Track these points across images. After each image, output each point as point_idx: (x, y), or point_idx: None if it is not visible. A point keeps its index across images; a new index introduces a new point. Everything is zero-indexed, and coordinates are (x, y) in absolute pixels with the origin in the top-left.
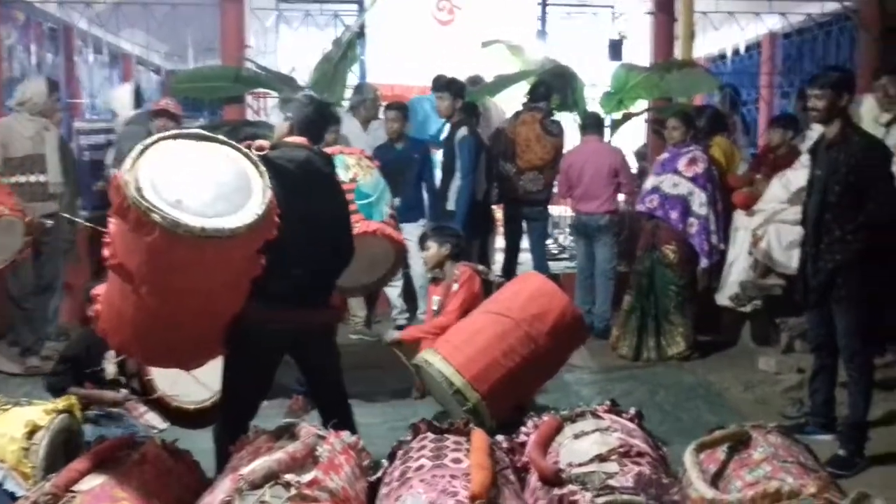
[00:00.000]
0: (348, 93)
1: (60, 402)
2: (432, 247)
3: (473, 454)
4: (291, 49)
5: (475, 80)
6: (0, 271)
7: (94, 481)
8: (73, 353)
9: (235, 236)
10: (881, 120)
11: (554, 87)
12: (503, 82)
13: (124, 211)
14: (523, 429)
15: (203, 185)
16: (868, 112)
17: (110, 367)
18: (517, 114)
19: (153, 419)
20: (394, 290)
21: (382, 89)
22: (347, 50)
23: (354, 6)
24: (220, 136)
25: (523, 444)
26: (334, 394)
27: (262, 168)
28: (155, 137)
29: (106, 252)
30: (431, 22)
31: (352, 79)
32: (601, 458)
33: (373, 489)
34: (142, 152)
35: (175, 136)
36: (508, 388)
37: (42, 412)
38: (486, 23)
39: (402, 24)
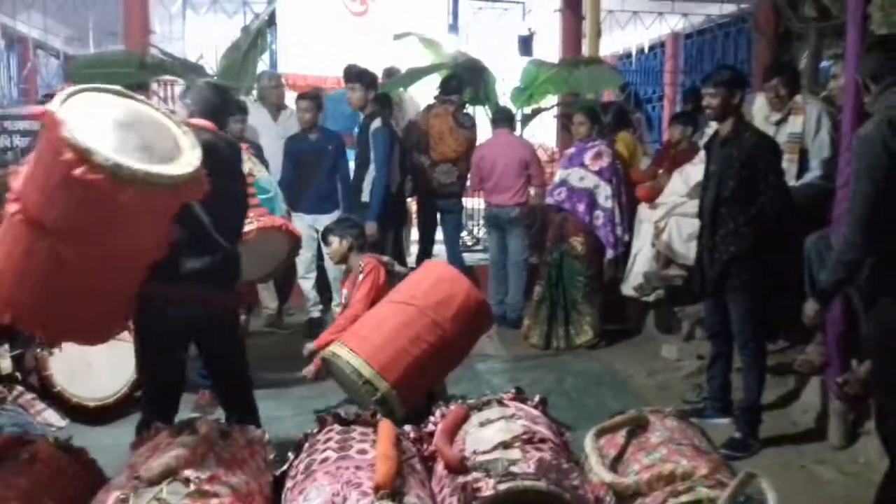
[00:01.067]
0: None
1: None
2: (334, 241)
3: (379, 444)
4: (199, 36)
5: (391, 72)
6: None
7: None
8: None
9: (176, 185)
10: (772, 119)
11: (466, 80)
12: (416, 74)
13: (56, 151)
14: (431, 418)
15: (135, 136)
16: (759, 111)
17: (4, 362)
18: (430, 106)
19: (51, 416)
20: (307, 282)
21: (296, 80)
22: (257, 38)
23: None
24: (140, 97)
25: (431, 434)
26: (237, 385)
27: (186, 127)
28: (79, 87)
29: (13, 206)
30: (344, 12)
31: (262, 68)
32: (505, 445)
33: (278, 483)
34: (68, 97)
35: (96, 89)
36: (417, 376)
37: None
38: (399, 15)
39: (314, 14)
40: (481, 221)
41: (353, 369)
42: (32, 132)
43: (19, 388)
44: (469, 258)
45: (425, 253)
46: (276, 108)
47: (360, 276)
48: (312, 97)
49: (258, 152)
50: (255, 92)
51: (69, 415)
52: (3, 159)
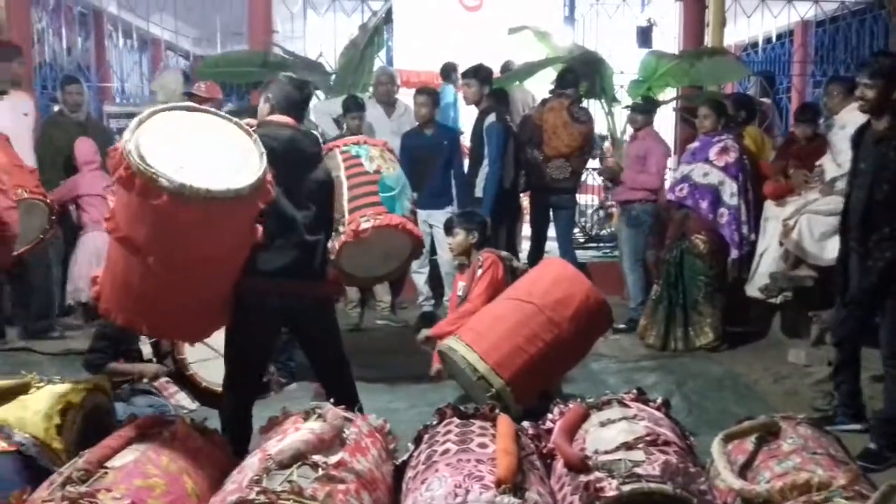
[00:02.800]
0: None
1: (92, 381)
2: (459, 234)
3: (499, 439)
4: (319, 34)
5: (507, 67)
6: (26, 252)
7: (126, 458)
8: (112, 332)
9: (239, 197)
10: None
11: (582, 73)
12: (531, 69)
13: (129, 179)
14: (549, 416)
15: (201, 152)
16: None
17: (146, 348)
18: (544, 101)
19: (183, 399)
20: (420, 277)
21: (409, 76)
22: (374, 36)
23: None
24: (210, 109)
25: (549, 431)
26: (336, 371)
27: (255, 136)
28: (150, 110)
29: (109, 225)
30: (458, 8)
31: (378, 65)
32: (627, 446)
33: (398, 472)
34: (139, 124)
35: (169, 109)
36: (532, 375)
37: (75, 390)
38: (513, 9)
39: (429, 10)
40: (596, 217)
41: (468, 364)
42: None
43: (158, 366)
44: (581, 255)
45: (537, 249)
46: (390, 104)
47: (480, 271)
48: (429, 92)
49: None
50: (370, 89)
51: (198, 398)
52: None
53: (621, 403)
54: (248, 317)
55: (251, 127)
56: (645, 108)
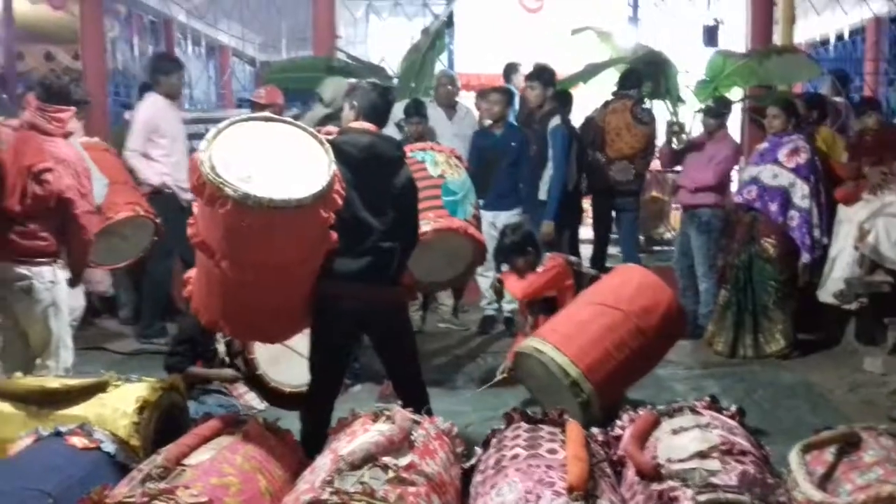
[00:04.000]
0: None
1: (168, 380)
2: (520, 261)
3: (570, 445)
4: (381, 39)
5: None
6: (123, 267)
7: (202, 456)
8: (190, 335)
9: (302, 206)
10: None
11: (646, 74)
12: (593, 70)
13: (201, 188)
14: (618, 422)
15: (271, 161)
16: None
17: (221, 347)
18: (607, 102)
19: (252, 399)
20: (484, 280)
21: (469, 79)
22: (436, 39)
23: None
24: (287, 118)
25: (618, 438)
26: (408, 374)
27: (327, 146)
28: (228, 121)
29: (190, 231)
30: (519, 10)
31: (440, 68)
32: (702, 455)
33: (466, 476)
34: (216, 135)
35: (246, 119)
36: (616, 382)
37: (151, 389)
38: (575, 10)
39: (490, 13)
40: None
41: (560, 368)
42: None
43: (229, 370)
44: (645, 259)
45: (600, 253)
46: (451, 107)
47: (540, 269)
48: (503, 91)
49: None
50: (431, 92)
51: (266, 398)
52: None
53: (693, 411)
54: (325, 320)
55: (332, 134)
56: (718, 111)
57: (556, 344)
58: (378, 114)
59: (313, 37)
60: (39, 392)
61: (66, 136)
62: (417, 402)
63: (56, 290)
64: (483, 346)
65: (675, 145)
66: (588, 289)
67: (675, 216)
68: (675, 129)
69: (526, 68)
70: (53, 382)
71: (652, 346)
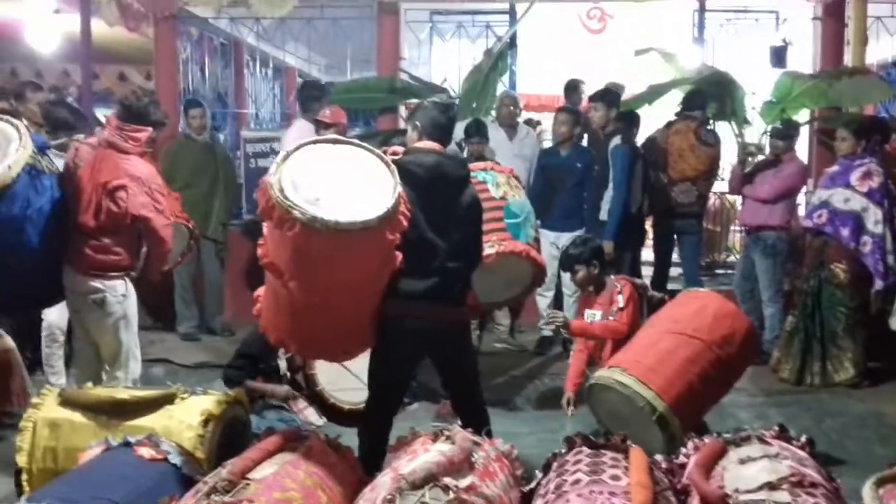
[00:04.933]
0: None
1: (232, 394)
2: (580, 270)
3: (633, 472)
4: (443, 60)
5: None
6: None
7: (266, 470)
8: (251, 349)
9: (367, 228)
10: None
11: (711, 95)
12: (657, 91)
13: (270, 210)
14: (683, 450)
15: (338, 183)
16: None
17: (282, 363)
18: (670, 123)
19: (311, 415)
20: (543, 300)
21: (530, 99)
22: (498, 60)
23: (506, 17)
24: (353, 140)
25: (682, 466)
26: (470, 394)
27: (393, 167)
28: (298, 144)
29: (260, 251)
30: (582, 31)
31: (501, 89)
32: (771, 487)
33: (525, 500)
34: (286, 157)
35: (314, 142)
36: (698, 413)
37: (216, 402)
38: (638, 31)
39: (552, 34)
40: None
41: (647, 402)
42: None
43: (286, 387)
44: (707, 283)
45: (661, 276)
46: (512, 127)
47: (620, 298)
48: (571, 111)
49: None
50: (493, 112)
51: (325, 414)
52: None
53: (762, 440)
54: (389, 339)
55: (398, 154)
56: (786, 133)
57: (640, 377)
58: (441, 131)
59: (377, 58)
60: (109, 402)
61: (142, 154)
62: (478, 422)
63: (127, 303)
64: (541, 368)
65: (746, 168)
66: (660, 315)
67: (737, 239)
68: (752, 149)
69: (588, 89)
70: (123, 393)
71: (729, 376)
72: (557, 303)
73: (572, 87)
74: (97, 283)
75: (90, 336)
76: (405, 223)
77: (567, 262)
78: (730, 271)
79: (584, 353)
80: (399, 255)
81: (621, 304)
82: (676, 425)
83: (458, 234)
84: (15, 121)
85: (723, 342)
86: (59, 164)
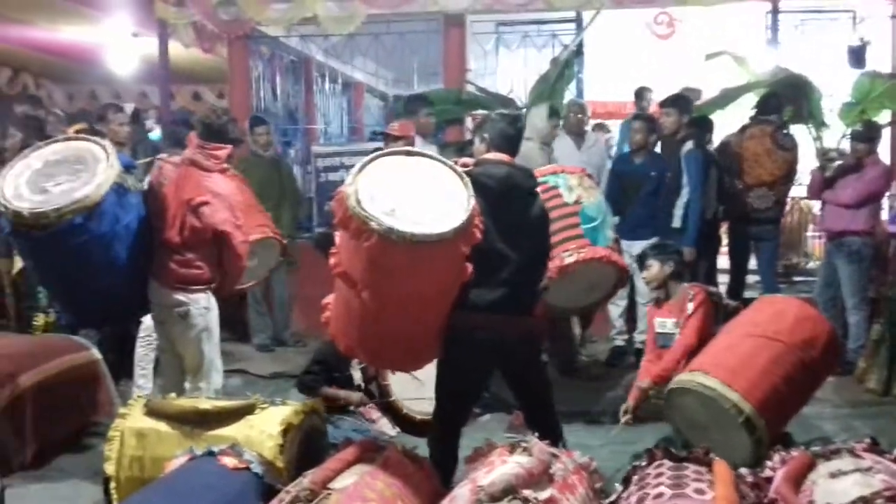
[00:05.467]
0: None
1: (310, 404)
2: (654, 265)
3: (718, 486)
4: (509, 70)
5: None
6: (254, 286)
7: (346, 480)
8: (326, 357)
9: (443, 240)
10: None
11: (786, 98)
12: (730, 95)
13: (346, 221)
14: (769, 463)
15: (413, 195)
16: None
17: (357, 374)
18: (744, 127)
19: (385, 426)
20: (616, 309)
21: (597, 107)
22: (565, 68)
23: (572, 25)
24: (427, 153)
25: (769, 480)
26: (541, 405)
27: (466, 179)
28: (373, 156)
29: (332, 261)
30: (650, 37)
31: (568, 97)
32: (865, 501)
33: None
34: (361, 168)
35: (389, 154)
36: (783, 418)
37: (295, 412)
38: (707, 35)
39: (619, 40)
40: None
41: (733, 405)
42: None
43: (360, 394)
44: (785, 290)
45: (737, 283)
46: (580, 135)
47: (691, 305)
48: (646, 119)
49: None
50: (561, 121)
51: (399, 424)
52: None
53: (852, 453)
54: (459, 349)
55: (468, 166)
56: (867, 136)
57: (724, 379)
58: (510, 143)
59: (444, 70)
60: (193, 413)
61: (223, 171)
62: (551, 434)
63: (209, 315)
64: (614, 378)
65: (827, 172)
66: (738, 320)
67: (815, 245)
68: (832, 154)
69: (657, 95)
70: (205, 404)
71: (812, 381)
72: (631, 312)
73: (640, 94)
74: (181, 297)
75: (174, 348)
76: (479, 235)
77: (642, 256)
78: (809, 278)
79: (654, 364)
80: (470, 267)
81: (690, 311)
82: (763, 428)
83: (528, 244)
84: (102, 141)
85: (805, 345)
86: None
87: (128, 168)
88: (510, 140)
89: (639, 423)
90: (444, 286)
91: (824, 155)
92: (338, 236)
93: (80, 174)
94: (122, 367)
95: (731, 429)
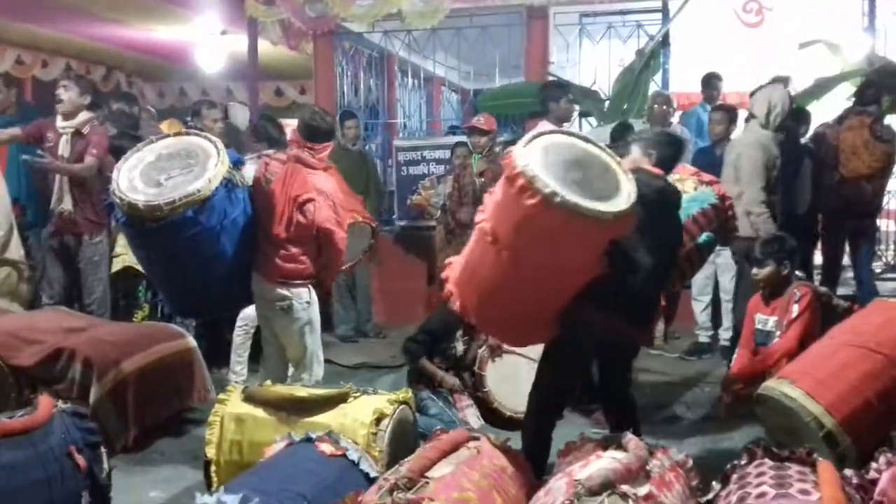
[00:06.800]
0: None
1: (400, 394)
2: (769, 265)
3: (826, 488)
4: (592, 61)
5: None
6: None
7: (443, 469)
8: (434, 328)
9: (599, 221)
10: None
11: (884, 87)
12: (826, 84)
13: (515, 177)
14: (874, 465)
15: (581, 173)
16: None
17: (459, 346)
18: (841, 118)
19: (471, 416)
20: (698, 304)
21: (679, 98)
22: (650, 60)
23: (658, 15)
24: (596, 142)
25: (873, 483)
26: (624, 401)
27: (632, 177)
28: (548, 129)
29: (478, 217)
30: (737, 25)
31: (654, 89)
32: None
33: None
34: (531, 139)
35: (562, 133)
36: (877, 433)
37: (387, 402)
38: (799, 23)
39: (706, 30)
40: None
41: (814, 417)
42: (445, 160)
43: (455, 380)
44: (881, 287)
45: (831, 279)
46: (665, 126)
47: (796, 307)
48: (727, 109)
49: None
50: (644, 114)
51: (486, 416)
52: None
53: None
54: (570, 339)
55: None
56: None
57: (809, 390)
58: (671, 164)
59: (525, 63)
60: (289, 399)
61: (326, 169)
62: (630, 424)
63: (311, 309)
64: (699, 374)
65: None
66: (843, 325)
67: None
68: None
69: (747, 85)
70: (301, 391)
71: None
72: (715, 308)
73: (707, 82)
74: (284, 291)
75: (278, 340)
76: (628, 231)
77: (759, 254)
78: None
79: (747, 358)
80: (605, 261)
81: (794, 314)
82: (848, 445)
83: (662, 257)
84: (213, 137)
85: None
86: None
87: (235, 164)
88: (672, 161)
89: (729, 421)
90: (582, 268)
91: None
92: (492, 194)
93: (191, 168)
94: (216, 355)
95: (813, 441)
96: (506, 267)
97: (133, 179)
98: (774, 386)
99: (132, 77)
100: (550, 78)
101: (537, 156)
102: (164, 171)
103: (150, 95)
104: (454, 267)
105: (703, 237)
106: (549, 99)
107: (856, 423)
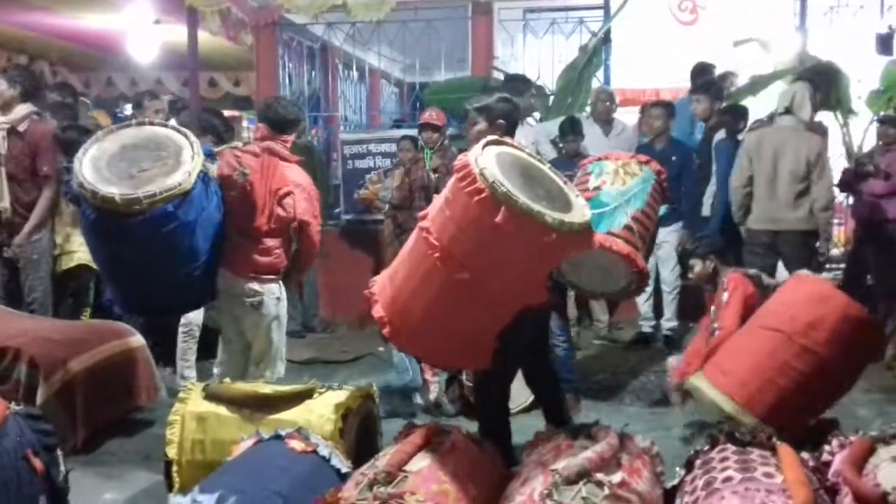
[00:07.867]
0: None
1: (365, 389)
2: (696, 264)
3: (789, 470)
4: (536, 57)
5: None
6: None
7: (420, 463)
8: None
9: (555, 229)
10: None
11: (815, 85)
12: (759, 82)
13: (474, 191)
14: (826, 448)
15: (533, 182)
16: None
17: None
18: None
19: (435, 391)
20: (641, 296)
21: (624, 93)
22: (592, 56)
23: (600, 12)
24: (537, 157)
25: (827, 465)
26: (544, 369)
27: (579, 194)
28: (485, 140)
29: (423, 223)
30: (673, 23)
31: (595, 84)
32: None
33: (667, 497)
34: (488, 144)
35: (511, 145)
36: (790, 408)
37: (353, 397)
38: (731, 21)
39: (646, 28)
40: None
41: (716, 406)
42: (391, 154)
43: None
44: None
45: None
46: (608, 122)
47: (725, 295)
48: (664, 105)
49: None
50: (587, 108)
51: (466, 410)
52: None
53: None
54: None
55: None
56: None
57: (713, 379)
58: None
59: (471, 58)
60: (253, 397)
61: (298, 161)
62: (552, 393)
63: (280, 305)
64: (644, 364)
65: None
66: (759, 310)
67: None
68: (864, 160)
69: (683, 82)
70: (265, 388)
71: (833, 364)
72: (657, 299)
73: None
74: (255, 286)
75: (242, 339)
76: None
77: (683, 256)
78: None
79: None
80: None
81: (724, 300)
82: (752, 423)
83: None
84: (184, 129)
85: (807, 329)
86: None
87: (208, 156)
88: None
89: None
90: (531, 288)
91: (857, 162)
92: (436, 198)
93: (165, 161)
94: (164, 353)
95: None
96: (445, 275)
97: (100, 170)
98: (691, 381)
99: (56, 66)
100: (496, 72)
101: (490, 159)
102: (133, 162)
103: (75, 85)
104: (381, 286)
105: (663, 209)
106: (515, 92)
107: (759, 402)
